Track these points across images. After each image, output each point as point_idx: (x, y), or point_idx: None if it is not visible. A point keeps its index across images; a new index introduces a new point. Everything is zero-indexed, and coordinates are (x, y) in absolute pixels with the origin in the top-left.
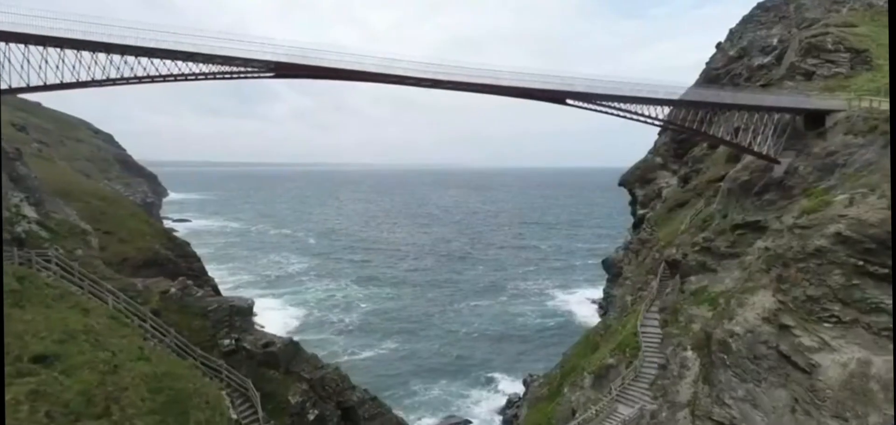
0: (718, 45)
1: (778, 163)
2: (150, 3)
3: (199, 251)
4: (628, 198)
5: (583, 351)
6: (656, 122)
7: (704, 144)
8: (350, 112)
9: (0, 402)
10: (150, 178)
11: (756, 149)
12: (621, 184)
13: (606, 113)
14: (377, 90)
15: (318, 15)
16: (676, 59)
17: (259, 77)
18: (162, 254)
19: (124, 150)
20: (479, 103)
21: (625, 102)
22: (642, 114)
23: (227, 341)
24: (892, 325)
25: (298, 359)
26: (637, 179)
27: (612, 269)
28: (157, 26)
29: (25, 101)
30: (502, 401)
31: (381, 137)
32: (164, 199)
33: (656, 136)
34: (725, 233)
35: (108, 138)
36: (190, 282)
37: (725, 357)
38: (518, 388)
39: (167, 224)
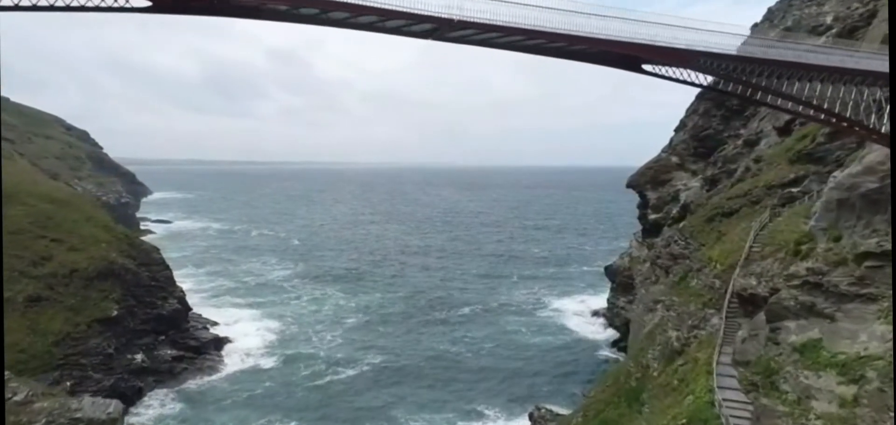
0: (755, 27)
1: None
2: None
3: (175, 255)
4: (622, 200)
5: (614, 400)
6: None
7: (739, 142)
8: (340, 111)
9: (0, 402)
10: (127, 177)
11: None
12: (630, 185)
13: (688, 84)
14: (367, 88)
15: None
16: None
17: (128, 9)
18: (119, 264)
19: (100, 148)
20: (467, 101)
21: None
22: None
23: None
24: None
25: None
26: (649, 181)
27: (617, 278)
28: None
29: None
30: None
31: (370, 135)
32: (147, 199)
33: (672, 133)
34: (846, 265)
35: (83, 135)
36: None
37: None
38: (521, 421)
39: (145, 225)
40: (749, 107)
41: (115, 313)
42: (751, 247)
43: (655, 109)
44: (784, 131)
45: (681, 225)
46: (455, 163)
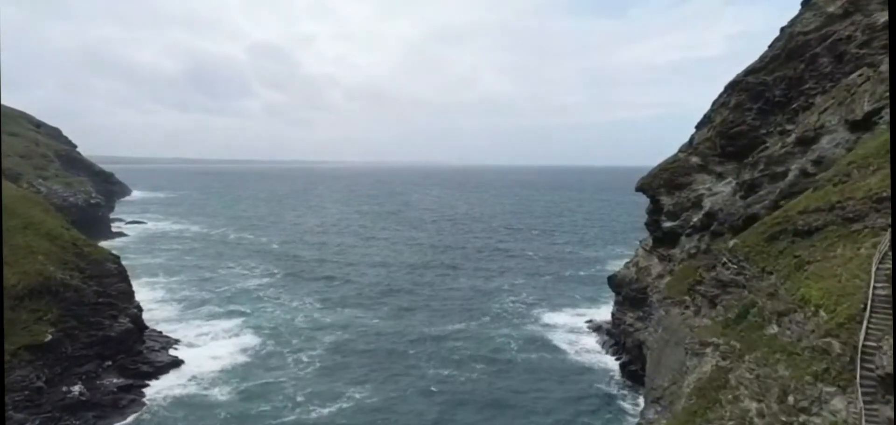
0: (806, 2)
1: None
2: None
3: (148, 260)
4: (615, 201)
5: None
6: None
7: (788, 139)
8: (326, 109)
9: (0, 402)
10: (101, 176)
11: None
12: (640, 189)
13: None
14: (354, 85)
15: (287, 4)
16: (662, 55)
17: None
18: (57, 279)
19: (73, 146)
20: (455, 100)
21: None
22: None
23: None
24: None
25: None
26: (663, 184)
27: (622, 290)
28: None
29: None
30: None
31: (358, 134)
32: (124, 199)
33: (693, 130)
34: None
35: (55, 132)
36: None
37: None
38: None
39: (118, 227)
40: (797, 97)
41: (50, 338)
42: (874, 289)
43: (638, 110)
44: (861, 125)
45: (730, 243)
46: (443, 162)
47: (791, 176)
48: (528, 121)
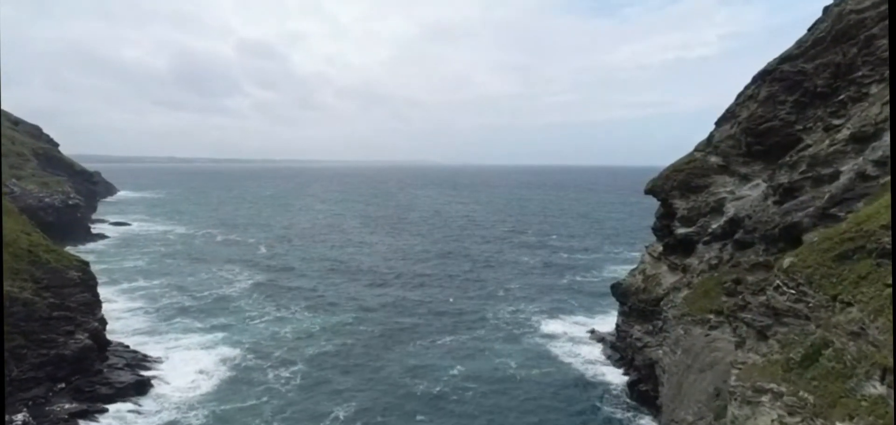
0: None
1: None
2: None
3: (125, 264)
4: (614, 203)
5: None
6: None
7: (837, 135)
8: (319, 108)
9: (0, 402)
10: (82, 176)
11: None
12: (650, 191)
13: None
14: (347, 84)
15: (277, 2)
16: (655, 55)
17: None
18: (4, 292)
19: (55, 145)
20: (449, 99)
21: None
22: None
23: None
24: None
25: None
26: (677, 186)
27: (628, 300)
28: None
29: None
30: None
31: (349, 133)
32: (109, 199)
33: (713, 126)
34: None
35: (35, 130)
36: None
37: None
38: None
39: (99, 228)
40: (846, 87)
41: None
42: None
43: (634, 110)
44: None
45: (786, 262)
46: (438, 161)
47: (844, 179)
48: (524, 120)
